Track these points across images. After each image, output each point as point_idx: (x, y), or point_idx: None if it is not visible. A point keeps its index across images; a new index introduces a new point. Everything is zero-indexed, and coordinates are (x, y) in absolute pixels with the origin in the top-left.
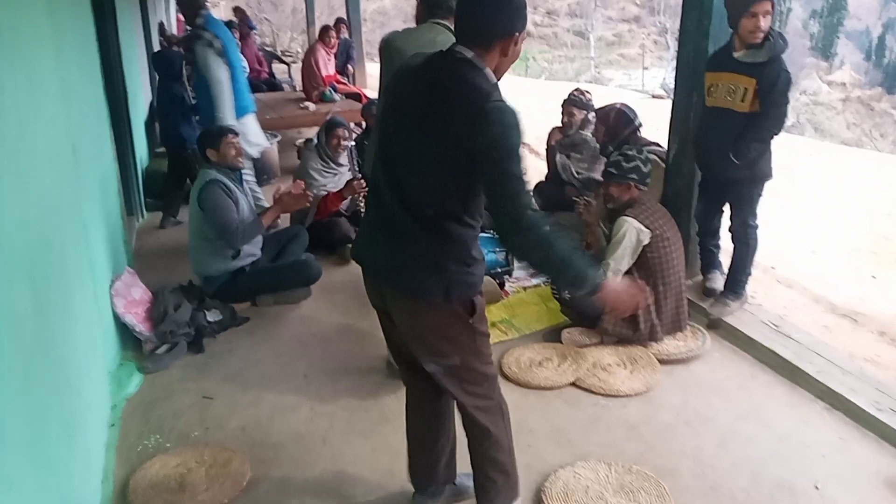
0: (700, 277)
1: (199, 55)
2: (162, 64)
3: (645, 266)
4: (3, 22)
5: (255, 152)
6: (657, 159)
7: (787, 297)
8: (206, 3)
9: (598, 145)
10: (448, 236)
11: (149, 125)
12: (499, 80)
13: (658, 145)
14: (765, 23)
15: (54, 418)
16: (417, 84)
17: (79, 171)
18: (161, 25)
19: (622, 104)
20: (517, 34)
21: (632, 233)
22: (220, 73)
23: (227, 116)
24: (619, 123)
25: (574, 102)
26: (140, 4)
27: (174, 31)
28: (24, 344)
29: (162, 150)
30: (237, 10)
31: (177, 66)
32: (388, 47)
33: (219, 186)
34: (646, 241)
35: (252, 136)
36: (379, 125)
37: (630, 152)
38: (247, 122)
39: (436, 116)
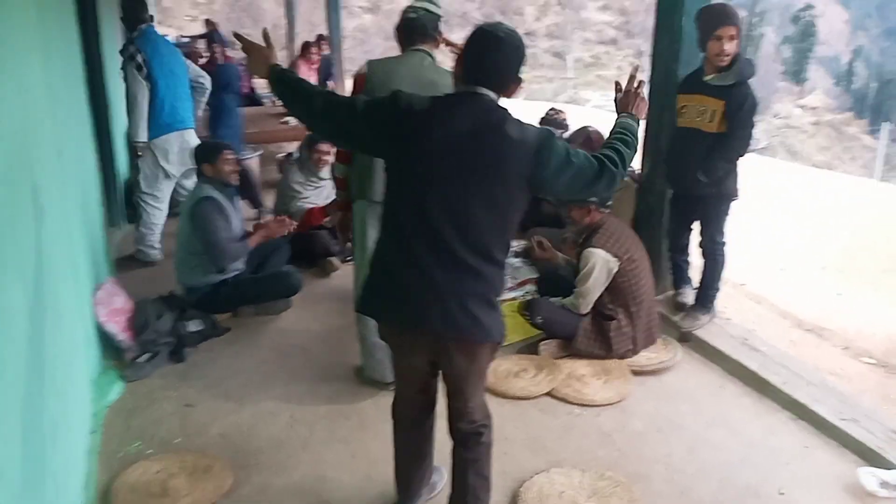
0: (672, 292)
1: (124, 68)
2: (224, 76)
3: (616, 291)
4: None
5: (175, 171)
6: (629, 179)
7: (756, 312)
8: (148, 17)
9: None
10: (501, 271)
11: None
12: None
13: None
14: (729, 46)
15: (41, 419)
16: (464, 128)
17: (64, 176)
18: None
19: (593, 127)
20: (521, 81)
21: (600, 265)
22: (134, 88)
23: (139, 133)
24: (599, 144)
25: (549, 122)
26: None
27: None
28: (18, 343)
29: None
30: (208, 23)
31: (235, 80)
32: (373, 74)
33: (213, 205)
34: (615, 270)
35: (173, 156)
36: (417, 170)
37: None
38: (170, 140)
39: (501, 159)
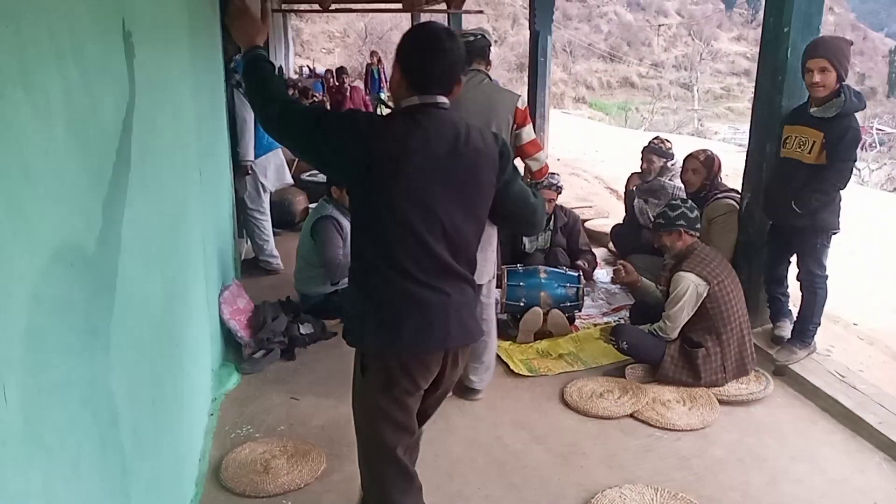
0: (770, 325)
1: (230, 95)
2: None
3: (705, 316)
4: (158, 64)
5: (272, 187)
6: (735, 204)
7: (867, 353)
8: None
9: (676, 192)
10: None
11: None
12: None
13: (736, 191)
14: (821, 78)
15: (169, 392)
16: (441, 148)
17: (203, 191)
18: (280, 69)
19: (711, 150)
20: (462, 79)
21: (691, 288)
22: (243, 112)
23: (248, 153)
24: (719, 169)
25: (654, 150)
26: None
27: (292, 75)
28: (154, 323)
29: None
30: (340, 70)
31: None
32: None
33: (332, 223)
34: (704, 294)
35: (270, 173)
36: (403, 197)
37: (675, 202)
38: (269, 158)
39: (477, 171)
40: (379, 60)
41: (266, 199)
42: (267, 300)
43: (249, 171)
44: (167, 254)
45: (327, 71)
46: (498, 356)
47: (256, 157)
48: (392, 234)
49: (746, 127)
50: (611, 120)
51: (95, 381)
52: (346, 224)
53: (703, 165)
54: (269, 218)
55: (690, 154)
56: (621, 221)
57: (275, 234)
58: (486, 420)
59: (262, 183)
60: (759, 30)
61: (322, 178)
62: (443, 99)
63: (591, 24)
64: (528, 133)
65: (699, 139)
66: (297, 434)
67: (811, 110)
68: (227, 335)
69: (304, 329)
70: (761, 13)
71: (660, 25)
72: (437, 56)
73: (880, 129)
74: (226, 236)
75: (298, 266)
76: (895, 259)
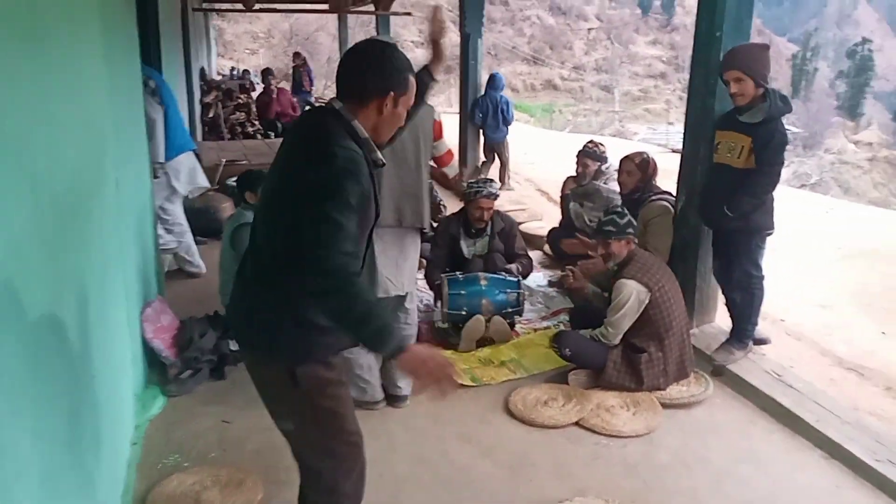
0: (706, 325)
1: None
2: None
3: (647, 322)
4: (68, 66)
5: (184, 191)
6: (669, 206)
7: (795, 349)
8: None
9: (611, 195)
10: (282, 290)
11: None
12: (382, 139)
13: (671, 194)
14: (737, 88)
15: (87, 428)
16: (286, 142)
17: (120, 203)
18: (202, 70)
19: (647, 153)
20: (392, 94)
21: (633, 296)
22: (151, 112)
23: (158, 153)
24: (654, 172)
25: (588, 154)
26: (183, 51)
27: (214, 75)
28: (67, 352)
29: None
30: (266, 71)
31: None
32: None
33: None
34: (646, 301)
35: (183, 175)
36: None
37: (619, 209)
38: (180, 161)
39: (289, 162)
40: (304, 62)
41: (178, 204)
42: (193, 316)
43: (158, 175)
44: (81, 273)
45: (245, 71)
46: None
47: (169, 158)
48: None
49: (664, 127)
50: (536, 122)
51: None
52: None
53: (639, 168)
54: (184, 223)
55: (626, 156)
56: (557, 225)
57: (199, 242)
58: (431, 434)
59: (173, 186)
60: (674, 34)
61: None
62: (336, 104)
63: (515, 27)
64: (444, 145)
65: (621, 140)
66: (231, 460)
67: (738, 116)
68: (151, 356)
69: (234, 345)
70: (676, 18)
71: (589, 29)
72: (339, 67)
73: (787, 129)
74: (147, 249)
75: (222, 280)
76: (811, 253)
